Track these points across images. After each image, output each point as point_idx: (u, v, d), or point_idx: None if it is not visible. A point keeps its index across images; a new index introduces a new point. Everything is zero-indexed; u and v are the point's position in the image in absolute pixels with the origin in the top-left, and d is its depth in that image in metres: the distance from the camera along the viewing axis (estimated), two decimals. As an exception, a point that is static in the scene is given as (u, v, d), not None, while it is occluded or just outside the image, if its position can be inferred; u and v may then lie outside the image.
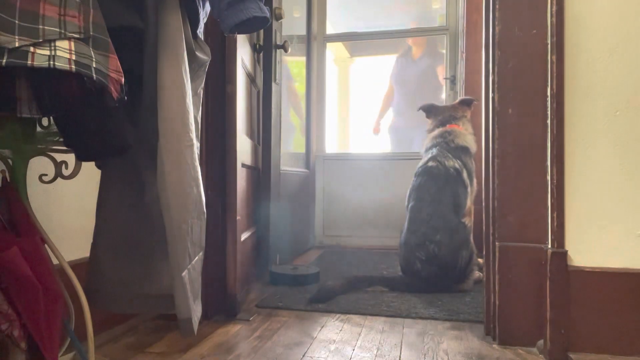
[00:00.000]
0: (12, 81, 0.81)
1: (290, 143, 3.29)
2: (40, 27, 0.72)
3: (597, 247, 1.40)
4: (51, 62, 0.71)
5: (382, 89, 4.47)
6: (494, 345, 1.47)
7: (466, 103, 2.53)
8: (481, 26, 1.63)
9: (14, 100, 0.82)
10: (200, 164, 1.12)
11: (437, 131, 2.44)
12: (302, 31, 3.40)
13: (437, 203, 2.18)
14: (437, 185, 2.22)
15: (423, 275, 2.12)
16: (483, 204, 1.59)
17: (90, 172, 1.13)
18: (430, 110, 2.59)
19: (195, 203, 1.08)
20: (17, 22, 0.71)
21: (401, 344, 1.48)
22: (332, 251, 3.35)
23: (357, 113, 4.55)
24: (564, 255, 1.38)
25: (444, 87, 3.79)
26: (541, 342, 1.41)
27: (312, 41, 3.52)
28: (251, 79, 2.18)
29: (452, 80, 3.64)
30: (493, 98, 1.51)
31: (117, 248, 1.14)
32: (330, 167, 3.78)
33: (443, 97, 3.83)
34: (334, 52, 5.39)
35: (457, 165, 2.24)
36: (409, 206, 2.30)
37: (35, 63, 0.70)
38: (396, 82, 4.23)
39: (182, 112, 1.03)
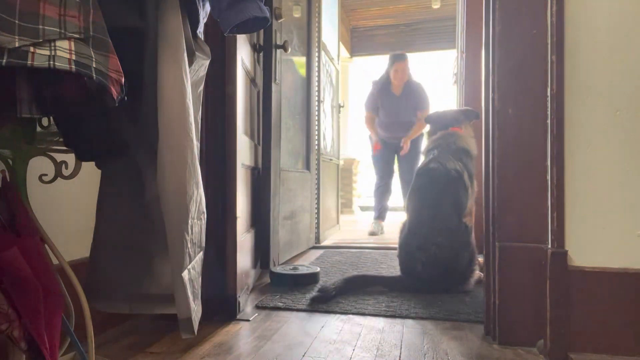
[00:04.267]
0: (12, 81, 0.81)
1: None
2: (40, 27, 0.72)
3: (597, 247, 1.40)
4: (51, 62, 0.71)
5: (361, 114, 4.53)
6: (494, 345, 1.47)
7: (467, 116, 2.51)
8: (481, 26, 1.63)
9: (14, 100, 0.81)
10: (200, 164, 1.12)
11: (439, 133, 2.43)
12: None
13: (439, 205, 2.18)
14: (438, 186, 2.21)
15: (424, 277, 2.11)
16: (483, 204, 1.59)
17: (90, 172, 1.13)
18: (433, 118, 2.60)
19: (195, 203, 1.09)
20: (17, 22, 0.71)
21: (401, 344, 1.48)
22: (332, 251, 3.35)
23: (357, 112, 4.57)
24: (564, 255, 1.38)
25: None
26: (541, 342, 1.41)
27: (313, 42, 3.52)
28: (251, 79, 2.18)
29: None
30: (493, 98, 1.51)
31: (117, 248, 1.15)
32: (325, 167, 3.79)
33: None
34: (333, 51, 5.38)
35: (458, 167, 2.23)
36: (410, 207, 2.30)
37: (35, 63, 0.70)
38: (373, 110, 4.39)
39: (182, 112, 1.03)
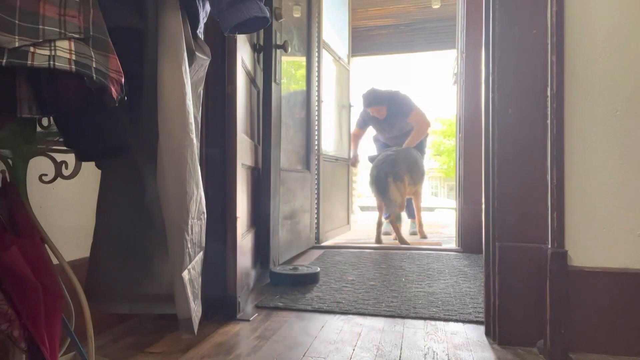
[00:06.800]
0: (12, 81, 0.81)
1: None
2: (40, 27, 0.72)
3: (597, 247, 1.40)
4: (51, 62, 0.71)
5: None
6: (494, 345, 1.47)
7: None
8: (481, 25, 1.63)
9: (14, 100, 0.81)
10: (200, 164, 1.12)
11: None
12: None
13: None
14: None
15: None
16: (483, 204, 1.59)
17: (90, 172, 1.13)
18: None
19: (195, 203, 1.08)
20: (17, 22, 0.71)
21: (401, 344, 1.48)
22: (332, 251, 3.35)
23: (356, 112, 4.57)
24: (564, 255, 1.38)
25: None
26: (541, 342, 1.41)
27: (313, 42, 3.52)
28: (251, 79, 2.18)
29: None
30: (493, 98, 1.51)
31: (117, 248, 1.15)
32: (329, 167, 3.80)
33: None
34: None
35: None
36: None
37: (35, 63, 0.70)
38: (361, 126, 4.48)
39: (182, 112, 1.03)
